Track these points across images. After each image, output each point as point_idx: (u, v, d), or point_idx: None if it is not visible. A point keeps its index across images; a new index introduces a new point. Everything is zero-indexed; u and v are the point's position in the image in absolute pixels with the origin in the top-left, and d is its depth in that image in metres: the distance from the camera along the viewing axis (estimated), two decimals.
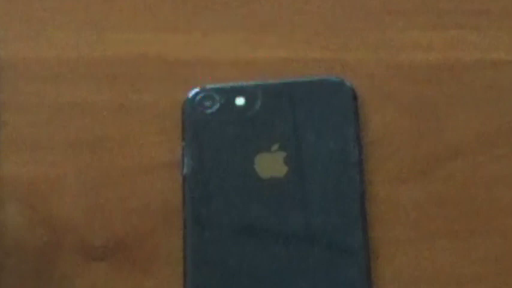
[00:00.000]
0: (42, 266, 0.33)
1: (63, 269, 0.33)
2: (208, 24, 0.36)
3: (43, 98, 0.37)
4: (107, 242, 0.33)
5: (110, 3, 0.37)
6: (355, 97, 0.38)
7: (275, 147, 0.32)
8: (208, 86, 0.34)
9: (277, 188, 0.31)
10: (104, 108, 0.35)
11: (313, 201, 0.31)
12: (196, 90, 0.34)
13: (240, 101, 0.34)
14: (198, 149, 0.33)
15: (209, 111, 0.33)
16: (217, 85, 0.34)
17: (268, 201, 0.31)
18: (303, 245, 0.30)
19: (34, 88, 0.37)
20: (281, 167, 0.32)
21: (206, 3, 0.37)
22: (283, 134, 0.32)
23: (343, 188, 0.33)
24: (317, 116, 0.34)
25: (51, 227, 0.34)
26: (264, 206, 0.31)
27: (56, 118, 0.36)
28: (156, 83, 0.35)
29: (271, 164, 0.32)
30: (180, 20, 0.37)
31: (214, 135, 0.33)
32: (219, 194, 0.32)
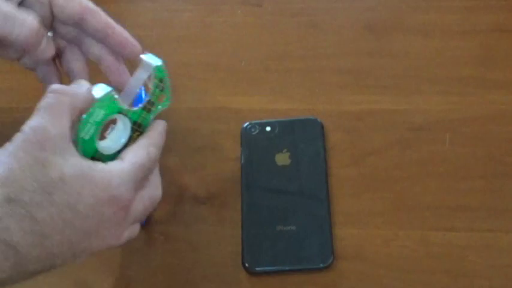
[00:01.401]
0: (175, 208, 0.56)
1: (186, 208, 0.56)
2: (250, 92, 0.61)
3: None
4: (207, 194, 0.56)
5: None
6: (322, 127, 0.56)
7: (285, 150, 0.54)
8: (253, 121, 0.57)
9: (285, 170, 0.54)
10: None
11: (301, 176, 0.53)
12: (247, 123, 0.57)
13: (267, 128, 0.56)
14: (248, 151, 0.55)
15: (253, 133, 0.56)
16: (257, 121, 0.57)
17: (281, 177, 0.54)
18: (296, 196, 0.52)
19: None
20: (287, 160, 0.54)
21: (254, 85, 0.61)
22: (288, 144, 0.55)
23: (316, 169, 0.54)
24: (303, 136, 0.56)
25: (179, 187, 0.56)
26: (279, 178, 0.54)
27: None
28: (230, 119, 0.59)
29: (282, 159, 0.54)
30: (239, 91, 0.61)
31: (255, 144, 0.55)
32: (258, 173, 0.54)
